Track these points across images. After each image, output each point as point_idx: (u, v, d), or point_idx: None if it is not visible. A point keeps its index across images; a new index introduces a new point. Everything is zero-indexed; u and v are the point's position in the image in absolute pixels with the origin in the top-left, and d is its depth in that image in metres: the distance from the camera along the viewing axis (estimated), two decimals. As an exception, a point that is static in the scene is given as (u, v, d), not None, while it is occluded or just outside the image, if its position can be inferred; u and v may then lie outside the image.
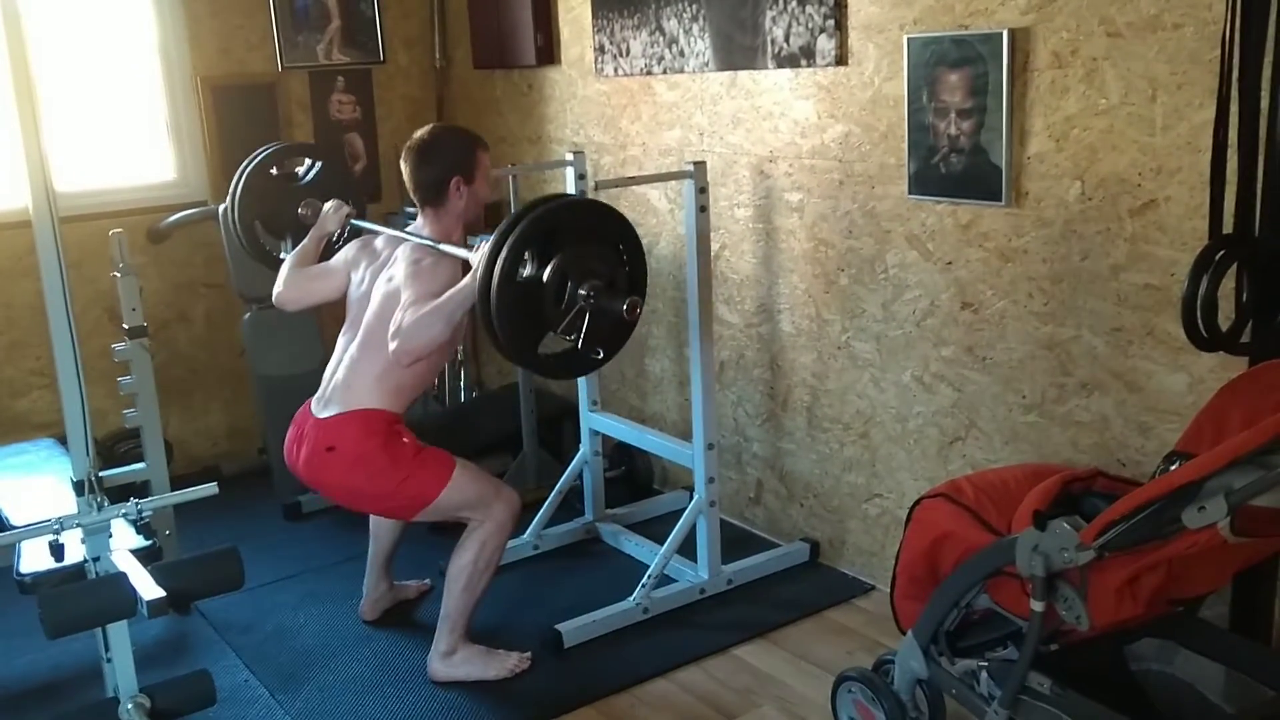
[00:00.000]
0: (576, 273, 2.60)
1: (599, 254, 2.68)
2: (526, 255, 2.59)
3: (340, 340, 3.12)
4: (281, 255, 3.48)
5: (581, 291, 2.60)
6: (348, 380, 2.99)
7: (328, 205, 3.37)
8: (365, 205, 3.66)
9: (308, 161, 3.63)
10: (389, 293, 2.98)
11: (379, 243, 3.18)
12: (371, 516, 3.38)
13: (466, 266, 2.82)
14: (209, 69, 4.45)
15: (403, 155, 3.08)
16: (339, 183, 3.60)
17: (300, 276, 3.25)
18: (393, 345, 2.80)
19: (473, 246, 2.80)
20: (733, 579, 3.48)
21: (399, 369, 2.91)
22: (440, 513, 3.00)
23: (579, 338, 2.64)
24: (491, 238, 2.59)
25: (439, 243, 2.98)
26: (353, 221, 3.37)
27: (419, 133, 3.08)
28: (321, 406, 3.02)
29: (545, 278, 2.58)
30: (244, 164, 3.54)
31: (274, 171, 3.57)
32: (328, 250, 3.36)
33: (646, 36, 3.84)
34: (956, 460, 3.16)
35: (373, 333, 2.98)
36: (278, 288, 3.25)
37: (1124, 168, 2.63)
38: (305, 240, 3.33)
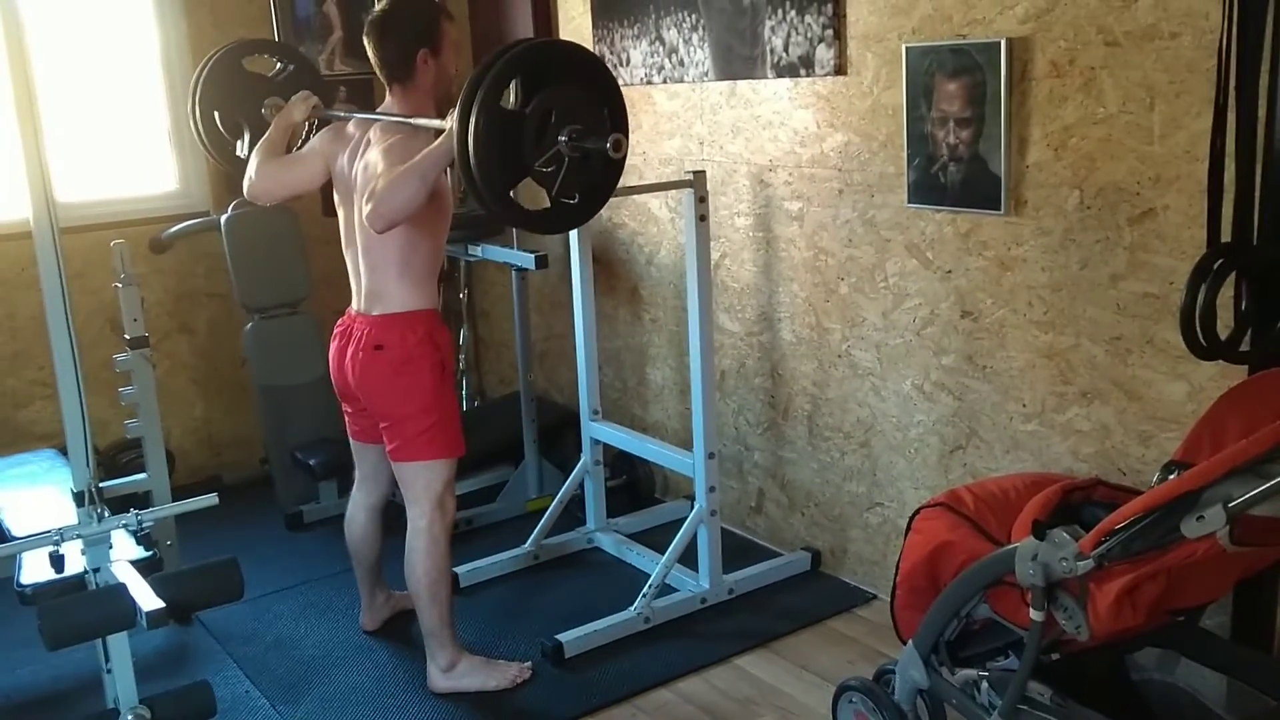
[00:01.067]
0: (559, 112, 2.48)
1: (581, 98, 2.54)
2: (510, 89, 2.46)
3: (346, 253, 3.05)
4: (239, 151, 3.32)
5: (562, 136, 2.48)
6: (374, 289, 2.95)
7: (295, 96, 3.22)
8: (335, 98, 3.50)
9: (279, 64, 3.45)
10: (368, 178, 2.84)
11: (350, 127, 3.07)
12: (347, 535, 3.33)
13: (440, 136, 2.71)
14: (211, 80, 4.45)
15: (364, 31, 2.96)
16: (311, 86, 3.37)
17: (272, 167, 3.10)
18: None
19: (447, 116, 2.65)
20: (734, 588, 3.48)
21: (411, 255, 2.87)
22: (411, 475, 2.99)
23: (555, 183, 2.52)
24: (474, 72, 2.46)
25: (411, 118, 2.88)
26: (323, 112, 3.22)
27: (379, 5, 2.98)
28: (365, 306, 2.98)
29: (528, 111, 2.46)
30: (212, 52, 3.36)
31: (243, 63, 3.36)
32: (294, 142, 3.24)
33: (646, 46, 3.85)
34: (957, 469, 3.16)
35: (369, 234, 2.86)
36: (248, 179, 3.11)
37: (1122, 176, 2.64)
38: (270, 130, 3.17)
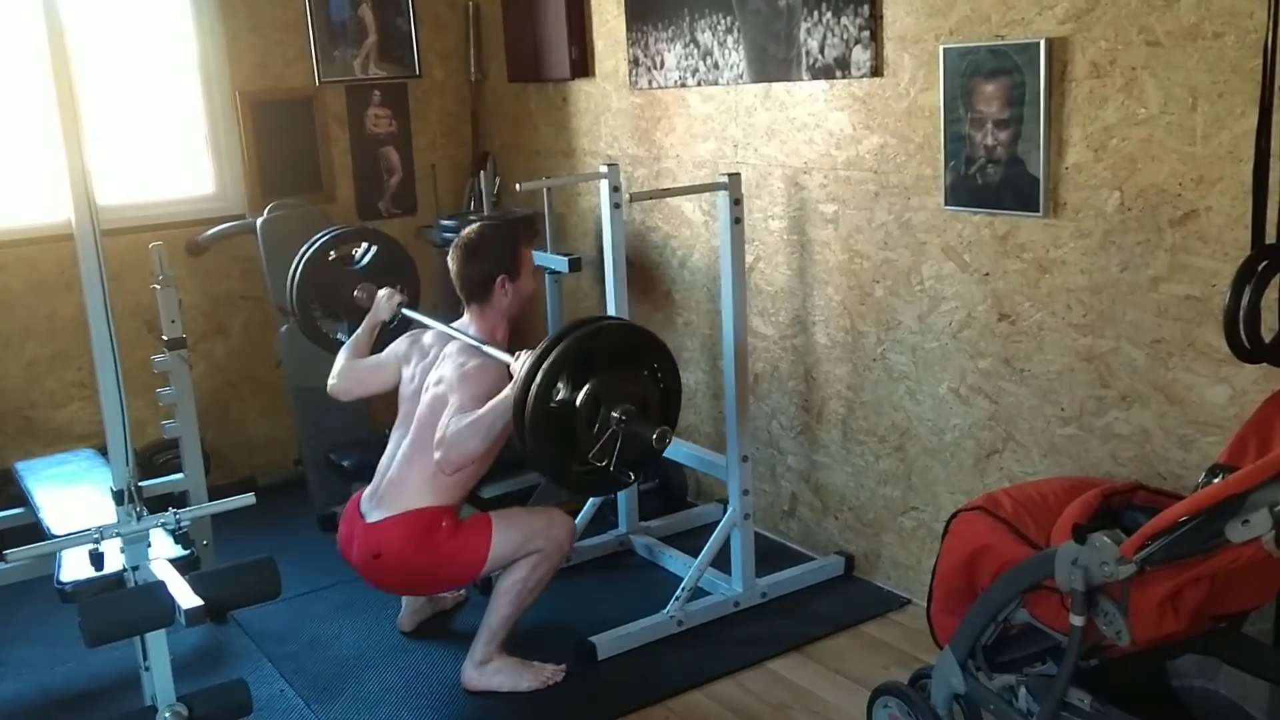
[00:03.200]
0: (609, 397, 2.65)
1: (633, 376, 2.72)
2: (560, 380, 2.64)
3: (393, 435, 3.18)
4: (339, 336, 3.58)
5: (614, 415, 2.64)
6: (399, 479, 3.05)
7: (381, 293, 3.48)
8: (420, 292, 3.76)
9: (363, 245, 3.71)
10: (437, 395, 3.05)
11: (428, 339, 3.25)
12: None
13: (511, 373, 2.87)
14: (247, 83, 4.50)
15: (450, 252, 3.16)
16: (393, 267, 3.68)
17: (354, 369, 3.35)
18: (437, 454, 2.90)
19: (515, 355, 2.86)
20: (767, 592, 3.46)
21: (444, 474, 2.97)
22: (500, 564, 3.04)
23: (611, 460, 2.68)
24: (527, 362, 2.65)
25: (485, 341, 3.05)
26: (404, 311, 3.45)
27: (466, 231, 3.16)
28: (372, 506, 3.06)
29: (578, 402, 2.63)
30: (303, 249, 3.63)
31: (331, 255, 3.65)
32: (381, 335, 3.45)
33: (681, 49, 3.85)
34: (994, 473, 3.13)
35: (422, 433, 3.04)
36: (333, 379, 3.36)
37: (1164, 178, 2.61)
38: (359, 330, 3.43)
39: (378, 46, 4.75)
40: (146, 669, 2.41)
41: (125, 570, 2.44)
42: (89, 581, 2.65)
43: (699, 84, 3.82)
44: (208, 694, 2.48)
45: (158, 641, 2.35)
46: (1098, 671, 2.22)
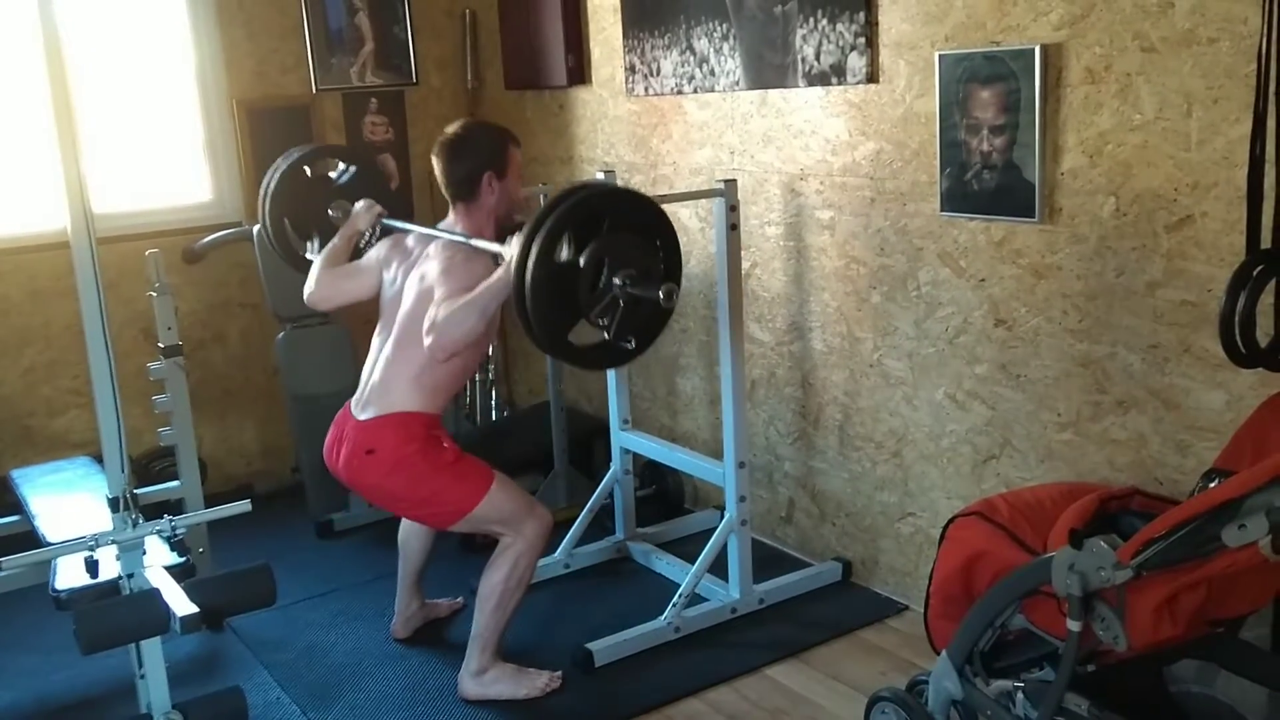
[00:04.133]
0: (612, 259, 2.57)
1: (635, 243, 2.64)
2: (563, 239, 2.55)
3: (375, 340, 3.12)
4: (309, 255, 3.47)
5: (616, 280, 2.56)
6: (384, 380, 3.00)
7: (359, 204, 3.37)
8: (397, 210, 3.65)
9: (341, 165, 3.62)
10: (422, 290, 2.98)
11: (410, 241, 3.18)
12: (400, 535, 3.39)
13: (499, 262, 2.81)
14: (245, 91, 4.50)
15: (434, 150, 3.07)
16: (372, 187, 3.59)
17: (332, 275, 3.24)
18: (428, 340, 2.82)
19: (506, 241, 2.77)
20: (764, 598, 3.46)
21: (435, 366, 2.92)
22: (474, 524, 3.01)
23: (611, 326, 2.61)
24: (528, 225, 2.56)
25: (471, 238, 2.98)
26: (384, 220, 3.34)
27: (451, 128, 3.08)
28: (361, 408, 3.02)
29: (581, 262, 2.55)
30: (278, 161, 3.53)
31: (308, 172, 3.56)
32: (358, 251, 3.35)
33: (677, 56, 3.85)
34: (990, 479, 3.13)
35: (406, 331, 2.98)
36: (309, 287, 3.25)
37: (1159, 183, 2.61)
38: (335, 239, 3.33)
39: (375, 54, 4.75)
40: (142, 677, 2.42)
41: (120, 577, 2.44)
42: (84, 589, 2.64)
43: (695, 91, 3.82)
44: (203, 701, 2.48)
45: (153, 649, 2.36)
46: (1095, 677, 2.21)
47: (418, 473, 2.93)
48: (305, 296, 3.27)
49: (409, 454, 2.92)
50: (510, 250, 2.66)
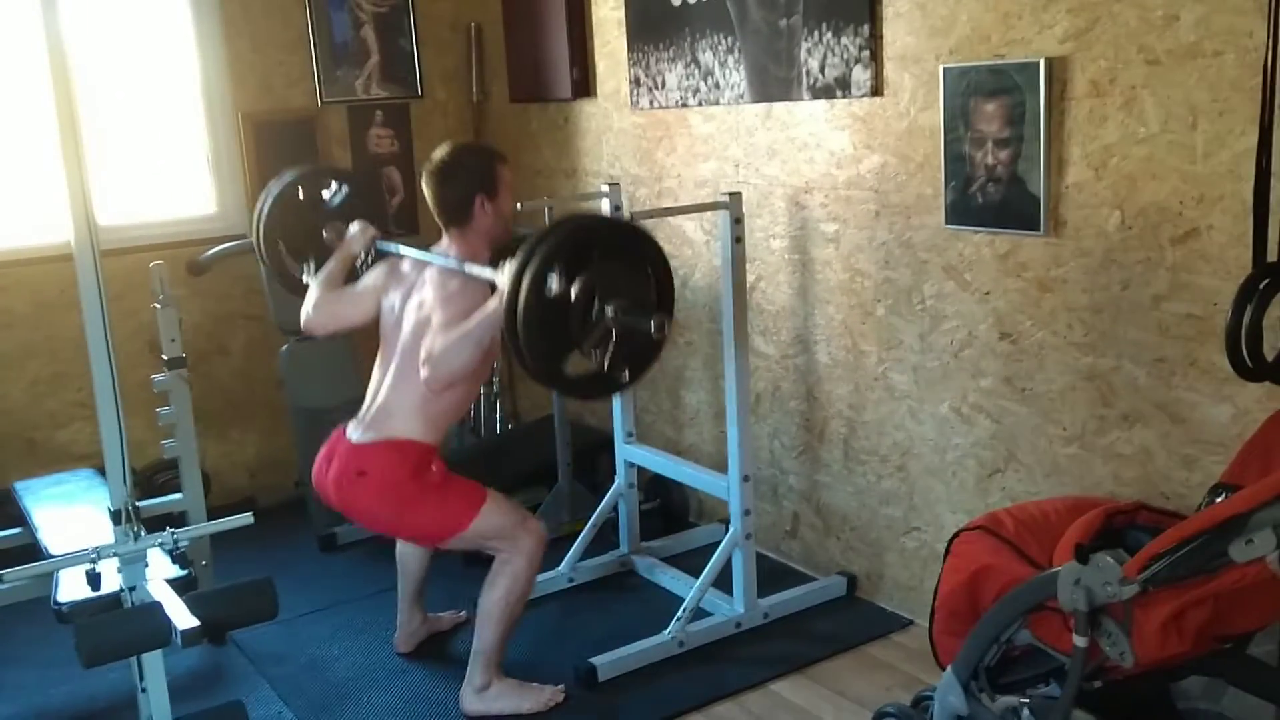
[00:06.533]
0: (604, 290, 2.56)
1: (627, 273, 2.64)
2: (553, 272, 2.55)
3: (376, 367, 3.12)
4: (304, 278, 3.45)
5: (608, 310, 2.56)
6: (386, 407, 3.00)
7: (353, 226, 3.36)
8: (392, 230, 3.65)
9: (335, 185, 3.60)
10: (420, 319, 2.99)
11: (406, 265, 3.17)
12: (398, 551, 3.38)
13: (494, 288, 2.81)
14: (250, 104, 4.51)
15: (423, 177, 3.07)
16: (366, 207, 3.57)
17: (329, 301, 3.24)
18: (424, 372, 2.83)
19: (499, 267, 2.77)
20: (769, 613, 3.44)
21: (434, 396, 2.92)
22: (467, 542, 3.00)
23: (605, 358, 2.61)
24: (519, 256, 2.56)
25: (465, 263, 2.97)
26: (379, 243, 3.34)
27: (437, 152, 3.07)
28: (358, 431, 3.02)
29: (573, 294, 2.54)
30: (270, 184, 3.53)
31: (300, 194, 3.54)
32: (354, 273, 3.35)
33: (682, 69, 3.85)
34: (996, 493, 3.12)
35: (407, 361, 2.98)
36: (306, 312, 3.25)
37: (1165, 196, 2.60)
38: (330, 262, 3.32)
39: (380, 67, 4.76)
40: (143, 690, 2.40)
41: (122, 590, 2.42)
42: (86, 602, 2.63)
43: (700, 104, 3.82)
44: (204, 715, 2.48)
45: (154, 662, 2.35)
46: (1102, 693, 2.20)
47: (407, 495, 2.93)
48: (303, 322, 3.27)
49: (400, 479, 2.92)
50: (504, 278, 2.65)
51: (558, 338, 2.58)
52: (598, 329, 2.57)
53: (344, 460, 2.98)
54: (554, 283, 2.55)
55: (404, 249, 3.24)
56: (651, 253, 2.72)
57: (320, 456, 3.08)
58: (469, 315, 2.81)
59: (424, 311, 2.98)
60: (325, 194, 3.59)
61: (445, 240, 3.10)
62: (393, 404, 2.99)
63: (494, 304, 2.73)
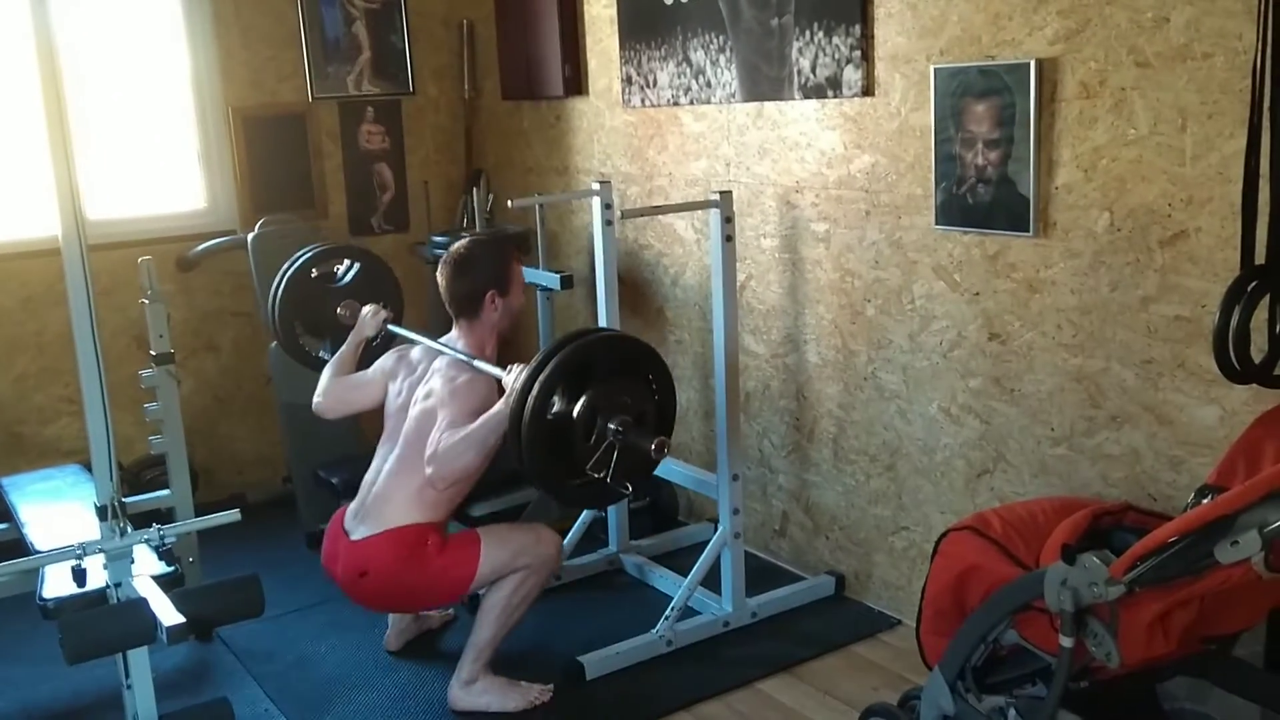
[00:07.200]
0: (606, 408, 2.63)
1: (629, 387, 2.71)
2: (556, 392, 2.62)
3: (379, 451, 3.15)
4: (321, 355, 3.55)
5: (611, 426, 2.63)
6: (385, 494, 3.02)
7: (365, 310, 3.45)
8: (403, 309, 3.74)
9: (346, 262, 3.69)
10: (426, 409, 3.02)
11: (415, 354, 3.22)
12: None
13: (500, 386, 2.85)
14: (240, 99, 4.50)
15: (439, 267, 3.13)
16: (377, 284, 3.67)
17: (339, 386, 3.32)
18: (429, 470, 2.88)
19: (507, 369, 2.83)
20: (757, 612, 3.45)
21: (435, 489, 2.94)
22: (487, 581, 3.02)
23: (608, 473, 2.66)
24: (523, 374, 2.64)
25: (474, 356, 3.03)
26: (390, 328, 3.42)
27: (456, 246, 3.14)
28: (357, 522, 3.03)
29: (575, 414, 2.61)
30: (285, 267, 3.62)
31: (313, 273, 3.64)
32: (367, 352, 3.42)
33: (674, 68, 3.85)
34: (984, 493, 3.12)
35: (410, 448, 3.01)
36: (317, 397, 3.33)
37: (1154, 198, 2.61)
38: (344, 347, 3.40)
39: (372, 63, 4.75)
40: (128, 687, 2.39)
41: (108, 587, 2.42)
42: (71, 598, 2.63)
43: (691, 103, 3.82)
44: (190, 712, 2.47)
45: (139, 659, 2.34)
46: (1088, 694, 2.20)
47: (408, 580, 2.97)
48: (314, 405, 3.34)
49: (398, 570, 2.94)
50: (510, 379, 2.73)
51: (562, 458, 2.65)
52: (601, 446, 2.63)
53: (345, 562, 3.01)
54: (556, 403, 2.62)
55: (413, 335, 3.32)
56: (652, 364, 2.79)
57: (325, 551, 3.11)
58: (475, 411, 2.87)
59: (430, 402, 3.01)
60: (338, 269, 3.68)
61: (454, 331, 3.15)
62: (391, 491, 3.01)
63: (500, 407, 2.79)
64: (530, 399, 2.59)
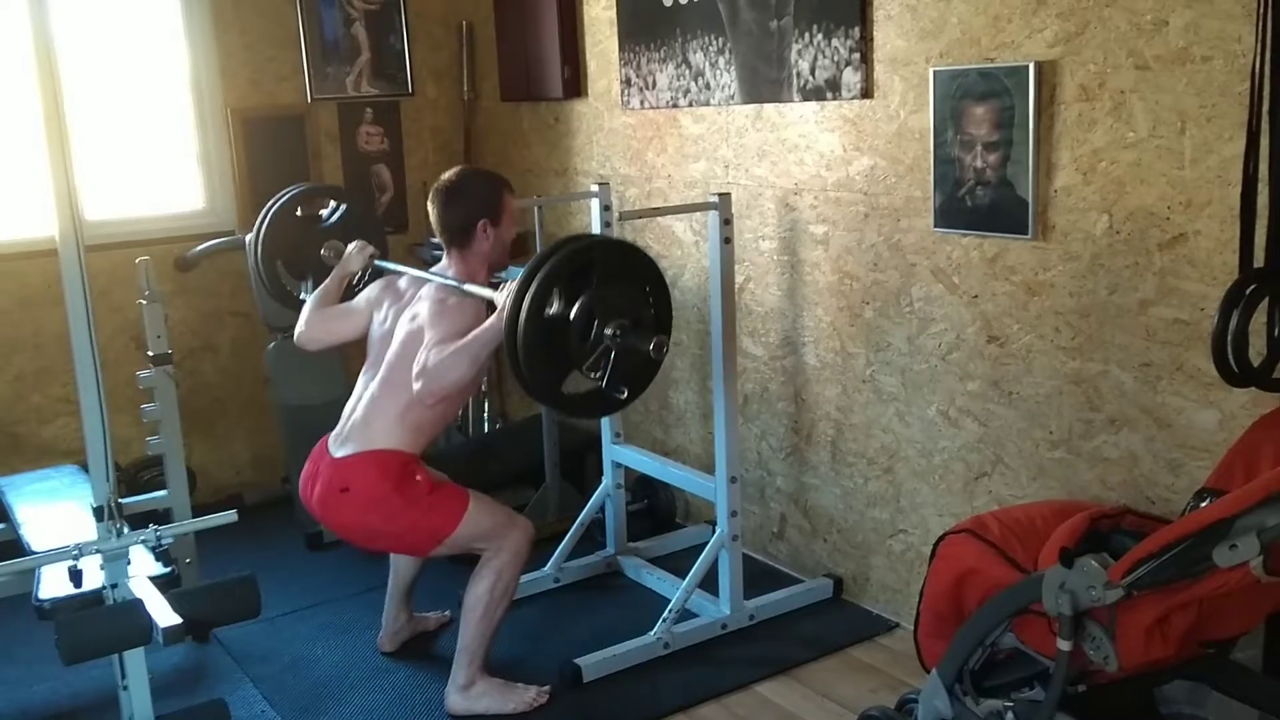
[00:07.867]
0: (603, 311, 2.61)
1: (626, 293, 2.69)
2: (553, 293, 2.60)
3: (361, 378, 3.12)
4: (301, 296, 3.49)
5: (608, 330, 2.61)
6: (367, 418, 2.99)
7: (351, 245, 3.40)
8: (388, 244, 3.69)
9: (332, 203, 3.66)
10: (412, 331, 2.98)
11: (403, 283, 3.19)
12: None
13: (491, 307, 2.84)
14: (239, 100, 4.50)
15: (430, 196, 3.09)
16: (363, 225, 3.63)
17: (322, 316, 3.26)
18: (417, 385, 2.83)
19: (498, 286, 2.81)
20: (755, 614, 3.44)
21: (420, 407, 2.91)
22: (455, 546, 3.00)
23: (604, 376, 2.64)
24: (519, 275, 2.60)
25: (464, 283, 2.99)
26: (376, 262, 3.37)
27: (446, 175, 3.10)
28: (339, 444, 3.01)
29: (572, 315, 2.59)
30: (269, 204, 3.57)
31: (299, 212, 3.60)
32: (350, 291, 3.37)
33: (673, 69, 3.85)
34: (982, 496, 3.12)
35: (394, 371, 2.98)
36: (299, 327, 3.27)
37: (1153, 201, 2.61)
38: (327, 280, 3.35)
39: (371, 64, 4.75)
40: (125, 688, 2.39)
41: (104, 588, 2.41)
42: (67, 599, 2.62)
43: (690, 104, 3.82)
44: (187, 713, 2.47)
45: (136, 660, 2.34)
46: (1086, 697, 2.20)
47: (392, 509, 2.93)
48: (295, 336, 3.29)
49: (384, 492, 2.91)
50: (502, 296, 2.69)
51: (558, 358, 2.62)
52: (597, 349, 2.61)
53: (327, 477, 2.97)
54: (555, 303, 2.59)
55: (401, 268, 3.26)
56: (649, 273, 2.76)
57: (304, 474, 3.08)
58: (464, 330, 2.82)
59: (417, 324, 2.98)
60: (323, 212, 3.63)
61: (445, 260, 3.12)
62: (373, 415, 2.98)
63: (493, 321, 2.76)
64: (527, 299, 2.55)
